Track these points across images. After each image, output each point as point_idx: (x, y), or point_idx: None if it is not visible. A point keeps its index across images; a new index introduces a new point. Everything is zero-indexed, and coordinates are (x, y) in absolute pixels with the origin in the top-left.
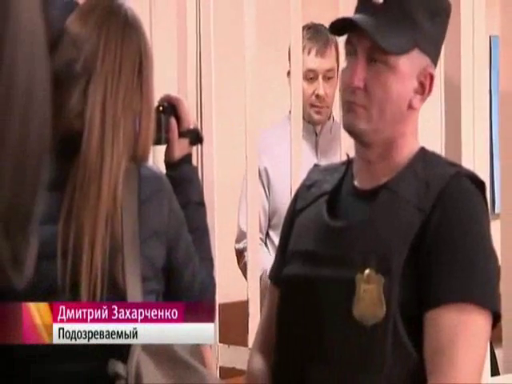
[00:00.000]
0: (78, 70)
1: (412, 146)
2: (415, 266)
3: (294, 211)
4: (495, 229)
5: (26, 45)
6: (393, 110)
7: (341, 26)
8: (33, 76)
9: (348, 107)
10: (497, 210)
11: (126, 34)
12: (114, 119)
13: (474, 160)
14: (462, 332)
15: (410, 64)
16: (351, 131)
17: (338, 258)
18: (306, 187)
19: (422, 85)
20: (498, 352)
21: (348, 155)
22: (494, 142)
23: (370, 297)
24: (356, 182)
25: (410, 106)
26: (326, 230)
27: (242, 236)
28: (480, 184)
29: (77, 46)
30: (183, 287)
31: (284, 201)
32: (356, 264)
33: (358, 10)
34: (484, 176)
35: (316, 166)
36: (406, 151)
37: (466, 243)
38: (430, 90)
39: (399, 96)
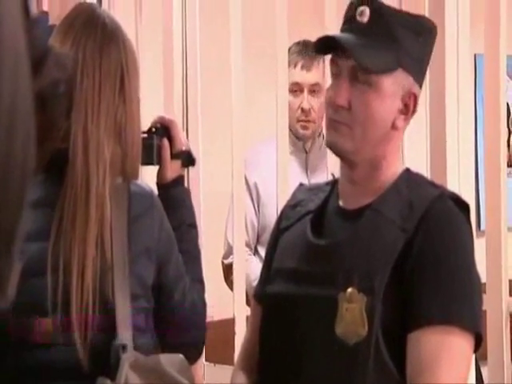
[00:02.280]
0: (61, 90)
1: (396, 167)
2: (398, 286)
3: (279, 230)
4: (481, 246)
5: (10, 60)
6: (376, 130)
7: (326, 45)
8: (16, 90)
9: (331, 125)
10: (482, 228)
11: (104, 49)
12: (97, 140)
13: (459, 178)
14: (444, 353)
15: (393, 84)
16: (333, 149)
17: (321, 276)
18: (290, 207)
19: (406, 105)
20: (483, 370)
21: (333, 175)
22: (479, 160)
23: (352, 315)
24: (341, 202)
25: (394, 127)
26: (309, 249)
27: (230, 251)
28: (464, 205)
29: (59, 66)
30: (173, 306)
31: (274, 216)
32: (339, 282)
33: (343, 29)
34: (469, 194)
35: (301, 185)
36: (390, 172)
37: (449, 265)
38: (414, 111)
39: (382, 116)
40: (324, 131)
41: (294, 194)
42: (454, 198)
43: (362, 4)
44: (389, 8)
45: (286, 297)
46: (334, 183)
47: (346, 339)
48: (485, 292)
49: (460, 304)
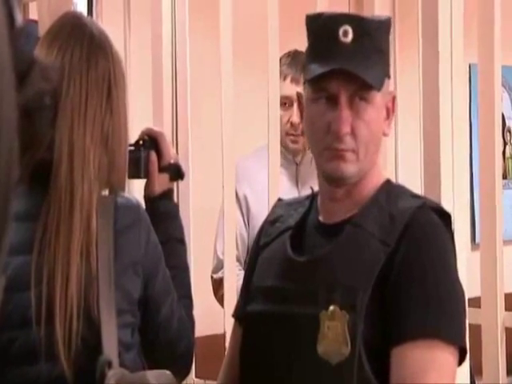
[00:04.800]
0: (47, 102)
1: (379, 177)
2: (380, 301)
3: (258, 247)
4: (476, 260)
5: None
6: (375, 146)
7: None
8: (0, 102)
9: (336, 155)
10: (477, 241)
11: (92, 58)
12: (82, 151)
13: (454, 191)
14: (429, 368)
15: (382, 95)
16: (339, 177)
17: (302, 293)
18: (269, 222)
19: (387, 110)
20: None
21: (312, 189)
22: (474, 172)
23: (335, 334)
24: (321, 217)
25: (383, 134)
26: (289, 265)
27: (220, 265)
28: (446, 216)
29: (45, 77)
30: (161, 322)
31: None
32: (320, 300)
33: (324, 49)
34: (464, 206)
35: (280, 200)
36: (372, 183)
37: (432, 278)
38: (393, 111)
39: (379, 129)
40: (322, 161)
41: (272, 210)
42: (435, 208)
43: (343, 23)
44: (369, 19)
45: (266, 316)
46: (313, 197)
47: (329, 359)
48: (479, 306)
49: (444, 317)
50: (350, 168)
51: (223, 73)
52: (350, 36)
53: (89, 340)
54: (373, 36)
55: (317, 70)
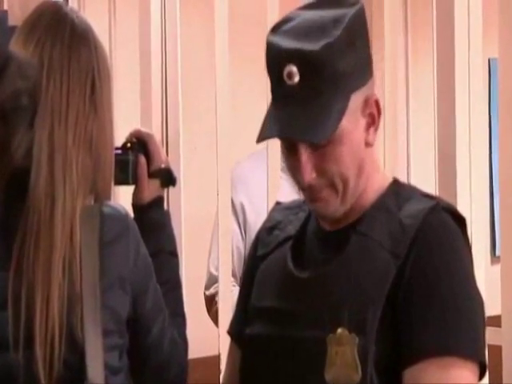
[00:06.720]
0: (24, 102)
1: (382, 182)
2: (392, 318)
3: (255, 258)
4: (496, 274)
5: None
6: (355, 170)
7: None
8: None
9: (312, 198)
10: (498, 253)
11: (74, 50)
12: (64, 154)
13: (472, 199)
14: None
15: (351, 114)
16: (324, 217)
17: (306, 315)
18: (266, 230)
19: (370, 115)
20: None
21: None
22: (494, 178)
23: (344, 359)
24: (321, 222)
25: (367, 146)
26: (291, 283)
27: (212, 280)
28: (460, 219)
29: (22, 75)
30: (151, 344)
31: None
32: (326, 322)
33: (275, 93)
34: (483, 216)
35: (278, 204)
36: (375, 187)
37: (447, 284)
38: (379, 114)
39: (355, 152)
40: (305, 198)
41: (270, 215)
42: (449, 209)
43: (286, 62)
44: (315, 51)
45: (267, 340)
46: None
47: None
48: (500, 325)
49: (463, 331)
50: (330, 207)
51: (218, 69)
52: (296, 77)
53: (72, 363)
54: (324, 66)
55: (264, 128)
